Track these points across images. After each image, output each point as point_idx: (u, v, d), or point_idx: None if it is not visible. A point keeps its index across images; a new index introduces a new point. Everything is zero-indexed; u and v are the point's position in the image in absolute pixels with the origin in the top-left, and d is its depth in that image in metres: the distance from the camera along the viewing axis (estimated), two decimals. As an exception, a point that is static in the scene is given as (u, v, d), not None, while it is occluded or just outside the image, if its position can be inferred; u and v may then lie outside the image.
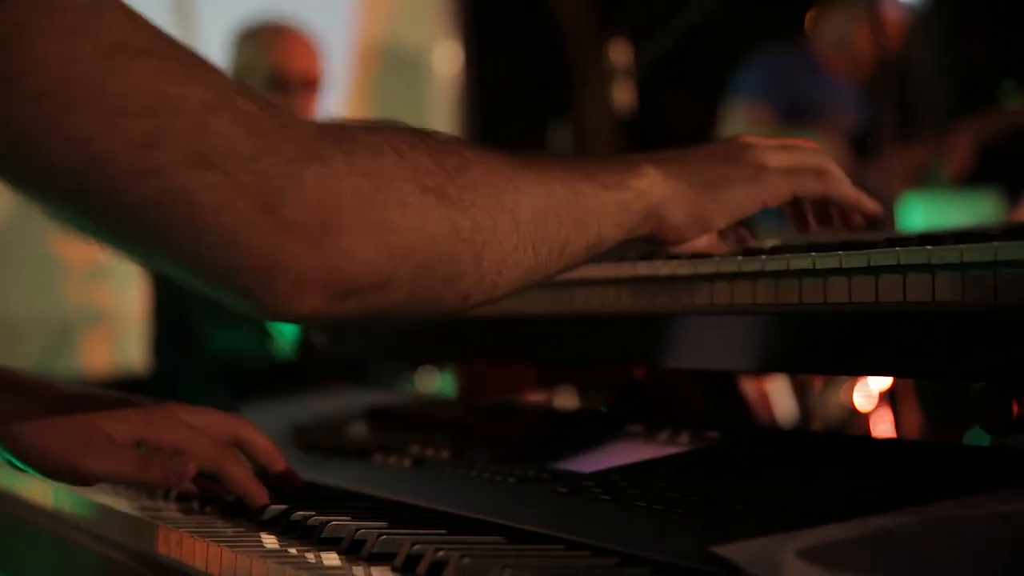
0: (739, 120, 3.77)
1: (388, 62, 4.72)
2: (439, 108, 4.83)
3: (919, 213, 3.67)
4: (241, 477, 0.94)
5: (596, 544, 0.77)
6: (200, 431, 0.96)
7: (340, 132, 0.77)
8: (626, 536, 0.79)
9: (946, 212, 3.74)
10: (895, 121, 3.84)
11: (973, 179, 3.94)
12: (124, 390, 2.94)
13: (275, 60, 2.97)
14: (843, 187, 0.99)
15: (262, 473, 0.98)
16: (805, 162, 0.97)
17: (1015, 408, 0.79)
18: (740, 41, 4.66)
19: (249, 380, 2.37)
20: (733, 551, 0.69)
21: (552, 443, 1.11)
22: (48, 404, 0.94)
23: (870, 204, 1.00)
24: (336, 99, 4.46)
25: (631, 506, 0.85)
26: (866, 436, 1.07)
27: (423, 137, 0.81)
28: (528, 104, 3.71)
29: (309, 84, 3.00)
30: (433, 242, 0.77)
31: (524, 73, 4.22)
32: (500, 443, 1.13)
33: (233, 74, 2.94)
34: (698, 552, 0.71)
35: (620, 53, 2.55)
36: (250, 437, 0.99)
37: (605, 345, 1.15)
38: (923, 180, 3.75)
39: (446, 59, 4.81)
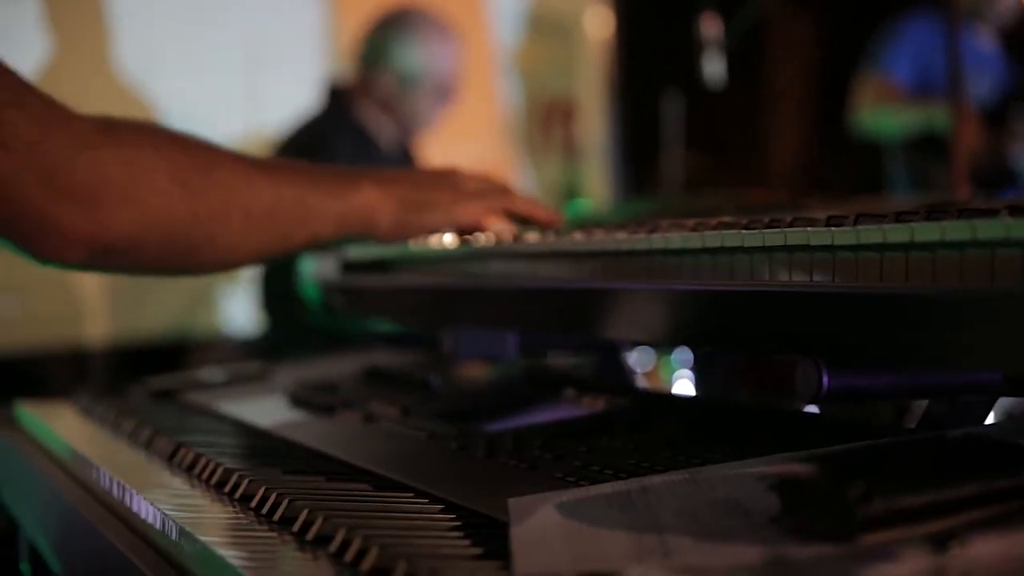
0: (868, 92, 3.72)
1: (542, 26, 4.81)
2: (589, 70, 4.91)
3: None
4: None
5: (430, 491, 0.87)
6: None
7: (111, 127, 0.97)
8: (467, 485, 0.88)
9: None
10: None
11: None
12: (239, 349, 3.13)
13: (418, 60, 3.02)
14: (520, 205, 1.22)
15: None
16: (492, 188, 1.22)
17: (824, 380, 0.84)
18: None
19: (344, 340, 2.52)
20: (518, 502, 0.78)
21: (493, 404, 1.20)
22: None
23: (543, 214, 1.22)
24: (503, 61, 4.61)
25: (496, 462, 0.94)
26: (736, 403, 1.15)
27: (182, 139, 1.01)
28: (672, 70, 3.74)
29: (442, 91, 3.08)
30: (176, 221, 0.98)
31: (669, 40, 4.24)
32: (451, 402, 1.22)
33: (369, 51, 3.07)
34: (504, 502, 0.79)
35: (709, 26, 2.58)
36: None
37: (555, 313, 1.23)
38: None
39: (597, 24, 4.88)
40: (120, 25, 3.36)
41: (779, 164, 5.87)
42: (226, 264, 1.08)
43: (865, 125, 3.78)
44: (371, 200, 1.12)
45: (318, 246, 1.14)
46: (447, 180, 1.20)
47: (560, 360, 1.54)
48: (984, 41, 3.80)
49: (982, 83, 3.69)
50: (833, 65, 4.73)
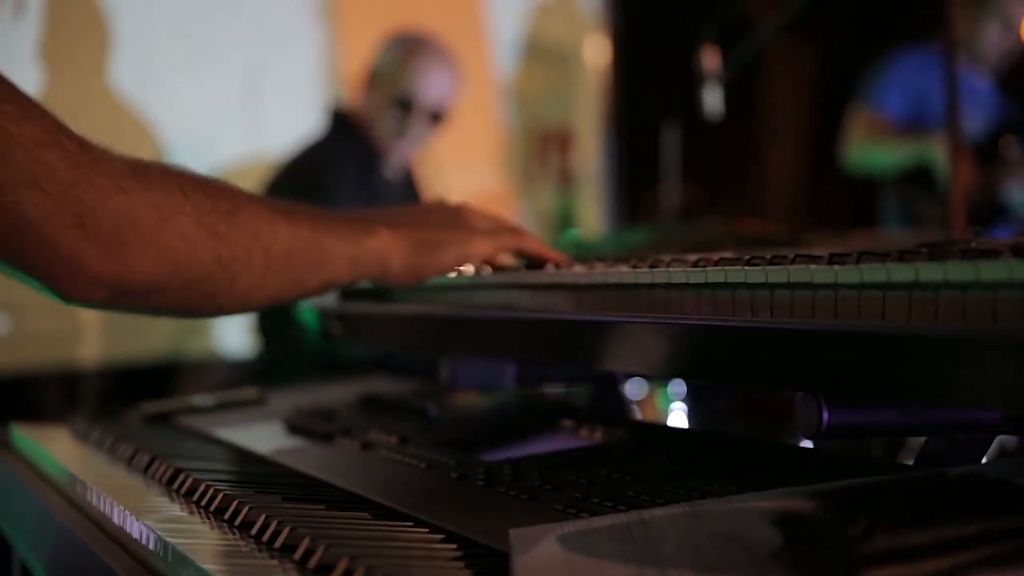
0: (859, 127, 3.74)
1: (541, 54, 4.83)
2: (587, 99, 4.93)
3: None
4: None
5: (430, 521, 0.87)
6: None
7: (143, 170, 0.97)
8: (467, 515, 0.88)
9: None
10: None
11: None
12: (232, 373, 3.12)
13: (409, 81, 3.05)
14: (531, 244, 1.22)
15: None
16: (504, 227, 1.23)
17: (825, 416, 0.84)
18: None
19: (340, 366, 2.53)
20: (519, 533, 0.78)
21: (492, 433, 1.20)
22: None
23: (554, 255, 1.22)
24: (501, 89, 4.63)
25: (495, 492, 0.94)
26: (735, 436, 1.15)
27: (206, 182, 1.01)
28: (669, 101, 3.77)
29: (434, 116, 3.11)
30: (200, 265, 0.98)
31: (667, 71, 4.27)
32: (450, 431, 1.23)
33: (371, 74, 3.10)
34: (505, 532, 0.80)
35: (709, 58, 2.59)
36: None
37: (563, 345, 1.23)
38: None
39: (595, 53, 4.91)
40: (120, 45, 3.36)
41: (774, 197, 5.89)
42: (245, 307, 1.08)
43: (855, 159, 3.80)
44: (384, 244, 1.12)
45: (332, 289, 1.15)
46: (458, 218, 1.20)
47: (554, 390, 1.55)
48: (977, 77, 3.82)
49: (975, 119, 3.72)
50: (829, 99, 4.76)
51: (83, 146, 0.93)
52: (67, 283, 0.93)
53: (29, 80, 3.13)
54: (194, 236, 0.97)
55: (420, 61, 3.09)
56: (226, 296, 1.02)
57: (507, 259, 1.23)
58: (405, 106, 3.03)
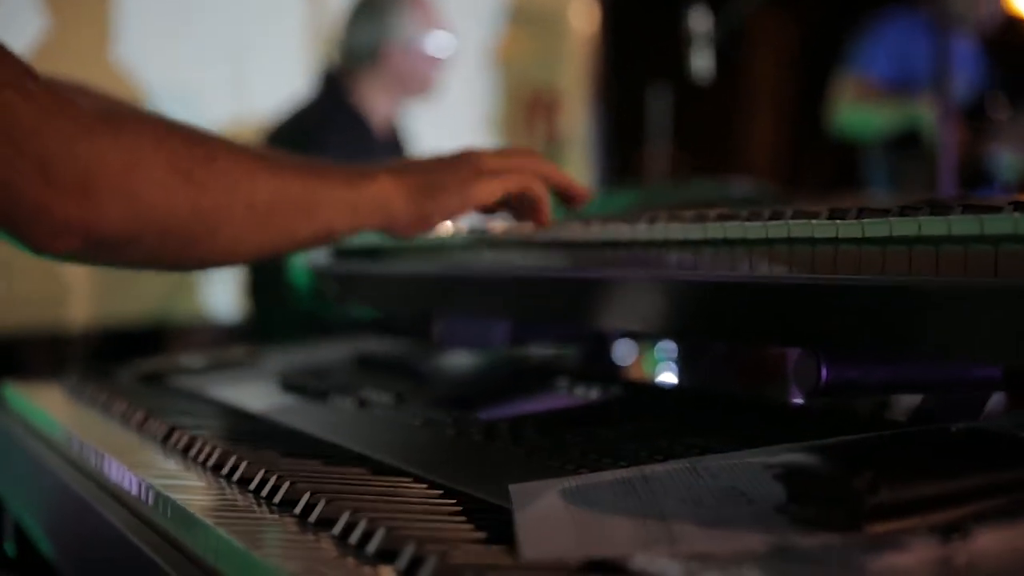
0: (846, 91, 3.74)
1: (527, 18, 4.81)
2: (574, 63, 4.91)
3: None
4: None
5: (430, 477, 0.87)
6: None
7: (113, 116, 0.93)
8: (466, 472, 0.88)
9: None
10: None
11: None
12: (221, 334, 3.11)
13: (409, 24, 3.07)
14: (554, 175, 1.17)
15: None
16: (516, 164, 1.15)
17: (823, 372, 0.85)
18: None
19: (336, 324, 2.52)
20: (519, 488, 0.78)
21: (487, 392, 1.20)
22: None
23: (580, 188, 1.19)
24: (486, 52, 4.60)
25: (494, 448, 0.94)
26: (728, 394, 1.15)
27: (182, 129, 0.98)
28: (657, 64, 3.76)
29: (438, 50, 3.12)
30: (175, 214, 0.94)
31: (654, 34, 4.26)
32: (445, 389, 1.23)
33: (361, 35, 3.10)
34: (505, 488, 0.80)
35: (699, 20, 2.58)
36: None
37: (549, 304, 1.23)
38: None
39: (581, 16, 4.89)
40: (116, 11, 3.34)
41: (756, 161, 5.89)
42: (230, 259, 1.03)
43: (843, 123, 3.79)
44: (385, 189, 1.08)
45: (333, 239, 1.09)
46: (462, 161, 1.14)
47: (544, 351, 1.55)
48: (962, 40, 3.82)
49: (960, 82, 3.71)
50: (815, 63, 4.75)
51: (49, 90, 0.90)
52: (35, 232, 0.90)
53: (21, 39, 3.10)
54: (168, 183, 0.93)
55: (414, 6, 3.11)
56: (207, 247, 0.98)
57: (527, 192, 1.15)
58: (412, 49, 3.05)
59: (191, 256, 0.99)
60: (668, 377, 1.87)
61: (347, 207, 1.06)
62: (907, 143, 3.62)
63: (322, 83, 3.11)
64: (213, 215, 0.96)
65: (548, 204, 1.16)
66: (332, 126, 2.95)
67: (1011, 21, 3.74)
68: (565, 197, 1.20)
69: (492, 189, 1.12)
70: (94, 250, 0.93)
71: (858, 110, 3.72)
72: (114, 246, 0.93)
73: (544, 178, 1.16)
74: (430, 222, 1.12)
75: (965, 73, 3.73)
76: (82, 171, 0.89)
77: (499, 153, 1.16)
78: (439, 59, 3.15)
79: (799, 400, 1.04)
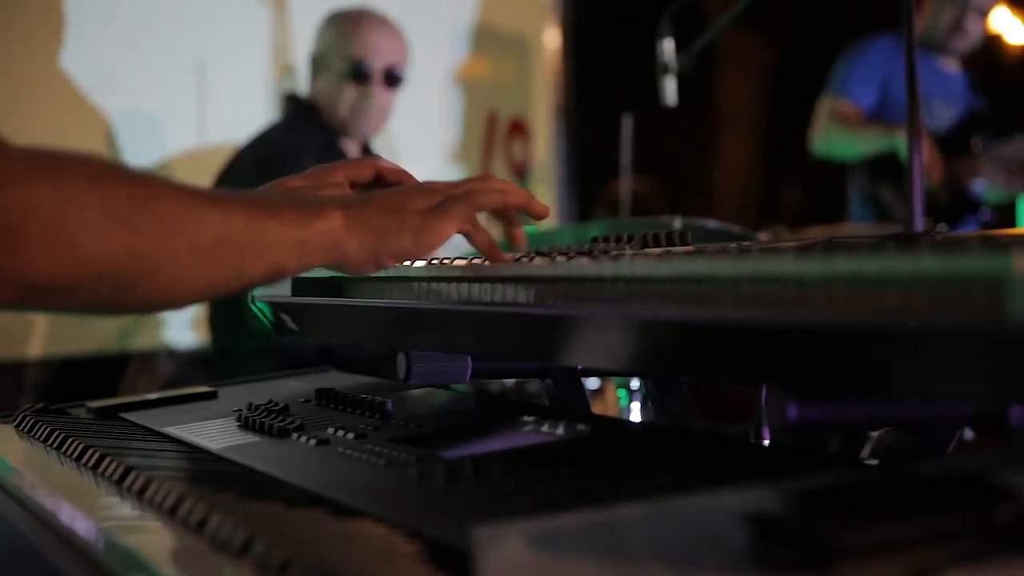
0: (825, 115, 3.75)
1: (495, 44, 4.81)
2: (541, 90, 4.92)
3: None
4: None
5: (391, 518, 0.85)
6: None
7: (43, 159, 0.90)
8: (429, 513, 0.86)
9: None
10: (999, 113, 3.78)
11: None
12: (181, 363, 3.07)
13: (357, 50, 3.04)
14: (510, 197, 1.16)
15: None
16: (460, 205, 1.13)
17: (792, 410, 0.83)
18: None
19: (297, 357, 2.50)
20: (484, 531, 0.76)
21: (451, 430, 1.18)
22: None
23: (539, 205, 1.19)
24: (453, 78, 4.60)
25: (457, 489, 0.92)
26: (699, 431, 1.13)
27: (119, 171, 0.95)
28: (625, 92, 3.77)
29: (389, 79, 3.09)
30: (111, 259, 0.91)
31: (620, 60, 4.28)
32: (407, 427, 1.21)
33: (315, 58, 3.09)
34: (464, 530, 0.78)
35: (667, 49, 2.58)
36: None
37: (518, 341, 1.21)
38: None
39: (549, 42, 4.90)
40: (69, 31, 3.31)
41: (729, 188, 5.91)
42: (175, 301, 0.99)
43: (824, 148, 3.80)
44: (336, 228, 1.05)
45: (283, 277, 1.06)
46: (415, 200, 1.12)
47: (508, 385, 1.53)
48: (950, 69, 3.84)
49: (948, 111, 3.74)
50: (788, 85, 4.77)
51: None
52: None
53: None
54: (102, 227, 0.90)
55: (362, 28, 3.08)
56: (148, 291, 0.95)
57: (478, 231, 1.15)
58: (359, 76, 3.02)
59: (132, 300, 0.95)
60: (636, 414, 1.86)
61: (296, 246, 1.03)
62: (887, 170, 3.63)
63: (288, 105, 3.10)
64: (152, 258, 0.93)
65: (520, 199, 1.17)
66: (301, 147, 2.92)
67: (995, 49, 3.77)
68: (529, 215, 1.21)
69: (446, 231, 1.11)
70: (29, 298, 0.90)
71: (839, 135, 3.72)
72: (49, 294, 0.90)
73: (502, 203, 1.16)
74: (383, 263, 1.10)
75: (952, 103, 3.76)
76: (12, 219, 0.86)
77: (456, 186, 1.15)
78: (387, 85, 3.07)
79: (768, 438, 1.04)
